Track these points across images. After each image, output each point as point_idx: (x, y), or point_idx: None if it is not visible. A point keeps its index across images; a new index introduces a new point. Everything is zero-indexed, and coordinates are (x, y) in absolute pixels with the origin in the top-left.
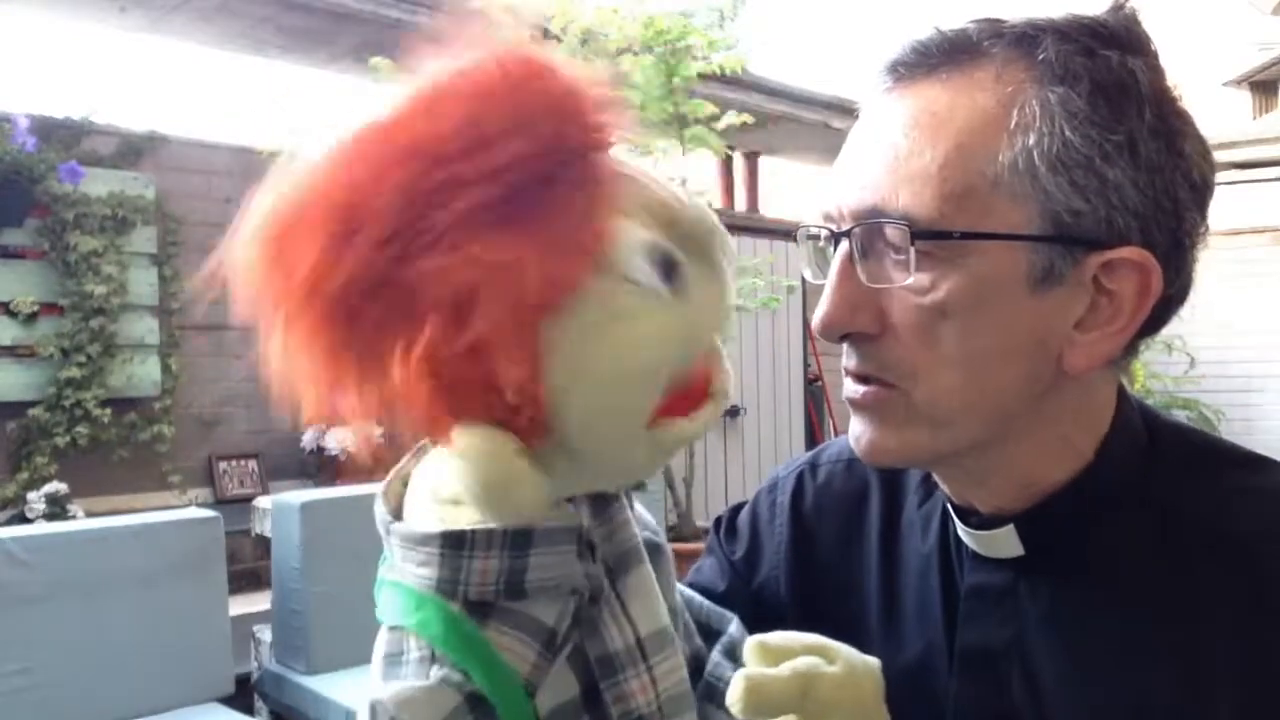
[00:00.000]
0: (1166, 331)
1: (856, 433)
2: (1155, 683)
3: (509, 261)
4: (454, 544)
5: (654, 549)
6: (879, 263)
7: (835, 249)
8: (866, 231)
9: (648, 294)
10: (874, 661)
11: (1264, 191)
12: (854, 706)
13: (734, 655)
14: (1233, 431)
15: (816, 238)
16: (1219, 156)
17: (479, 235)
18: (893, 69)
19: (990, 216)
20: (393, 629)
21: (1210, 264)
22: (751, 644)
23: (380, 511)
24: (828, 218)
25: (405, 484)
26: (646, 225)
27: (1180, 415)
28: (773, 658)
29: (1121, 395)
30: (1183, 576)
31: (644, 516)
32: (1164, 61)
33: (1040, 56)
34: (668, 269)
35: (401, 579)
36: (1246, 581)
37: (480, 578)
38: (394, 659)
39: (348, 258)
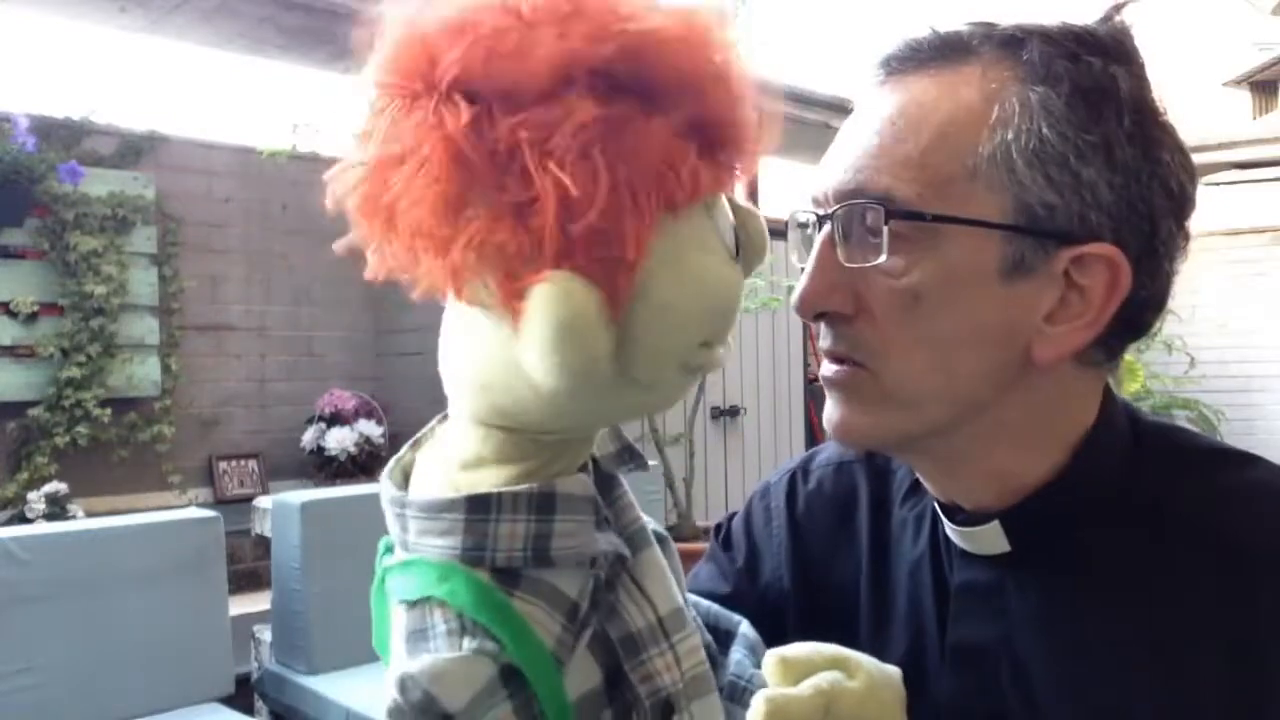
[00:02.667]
0: (1166, 331)
1: (829, 413)
2: (1143, 677)
3: (660, 148)
4: (479, 508)
5: (659, 539)
6: (857, 245)
7: (820, 231)
8: (848, 214)
9: (725, 248)
10: (894, 671)
11: (1264, 191)
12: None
13: (756, 653)
14: (1233, 431)
15: (805, 225)
16: (1219, 157)
17: (659, 115)
18: (885, 64)
19: (967, 205)
20: (413, 605)
21: (1210, 264)
22: (771, 659)
23: (389, 490)
24: (815, 202)
25: (406, 473)
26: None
27: (1180, 415)
28: (793, 673)
29: (1107, 395)
30: (1168, 572)
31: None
32: (1152, 72)
33: (1025, 57)
34: (735, 249)
35: (417, 556)
36: (1231, 577)
37: (508, 542)
38: (419, 634)
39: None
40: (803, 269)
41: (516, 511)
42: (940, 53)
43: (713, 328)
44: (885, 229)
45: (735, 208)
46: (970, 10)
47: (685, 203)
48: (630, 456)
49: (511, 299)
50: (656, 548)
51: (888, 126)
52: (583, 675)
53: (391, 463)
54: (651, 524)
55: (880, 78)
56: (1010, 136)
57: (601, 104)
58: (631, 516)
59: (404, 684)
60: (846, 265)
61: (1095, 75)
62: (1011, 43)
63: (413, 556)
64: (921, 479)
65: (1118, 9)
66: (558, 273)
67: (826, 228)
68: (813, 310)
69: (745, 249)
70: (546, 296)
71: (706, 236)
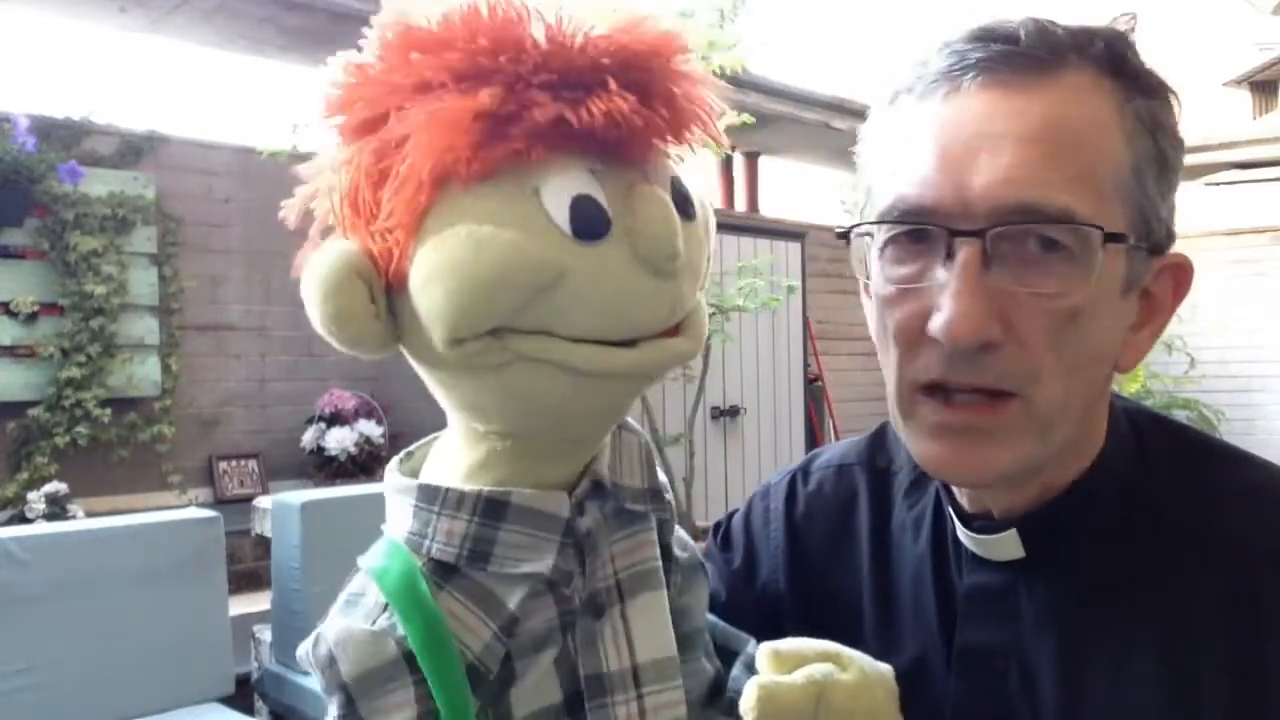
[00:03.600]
0: (1167, 332)
1: (949, 456)
2: (1149, 678)
3: (441, 116)
4: (427, 498)
5: (693, 569)
6: (1008, 265)
7: (951, 248)
8: (999, 233)
9: (547, 225)
10: (885, 669)
11: (1264, 191)
12: (868, 715)
13: (753, 669)
14: (1233, 431)
15: (915, 234)
16: (1219, 157)
17: (449, 91)
18: (993, 62)
19: (1115, 220)
20: (363, 572)
21: (1210, 264)
22: (764, 650)
23: (393, 463)
24: (924, 213)
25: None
26: (611, 196)
27: (1180, 415)
28: (786, 665)
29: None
30: (1172, 574)
31: (683, 537)
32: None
33: (1130, 69)
34: (582, 221)
35: (389, 529)
36: (1233, 577)
37: (445, 536)
38: (354, 599)
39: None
40: (876, 283)
41: (460, 509)
42: (1053, 52)
43: (509, 303)
44: (1062, 249)
45: (633, 192)
46: (980, 7)
47: (469, 176)
48: (655, 499)
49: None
50: (662, 594)
51: (1047, 138)
52: (540, 692)
53: (419, 443)
54: (688, 554)
55: (988, 77)
56: (1142, 150)
57: (413, 91)
58: (643, 556)
59: (316, 639)
60: (1002, 288)
61: (1170, 88)
62: (1113, 51)
63: (385, 529)
64: (960, 491)
65: (1133, 17)
66: (331, 240)
67: (971, 247)
68: (980, 340)
69: (633, 235)
70: (311, 260)
71: (507, 211)
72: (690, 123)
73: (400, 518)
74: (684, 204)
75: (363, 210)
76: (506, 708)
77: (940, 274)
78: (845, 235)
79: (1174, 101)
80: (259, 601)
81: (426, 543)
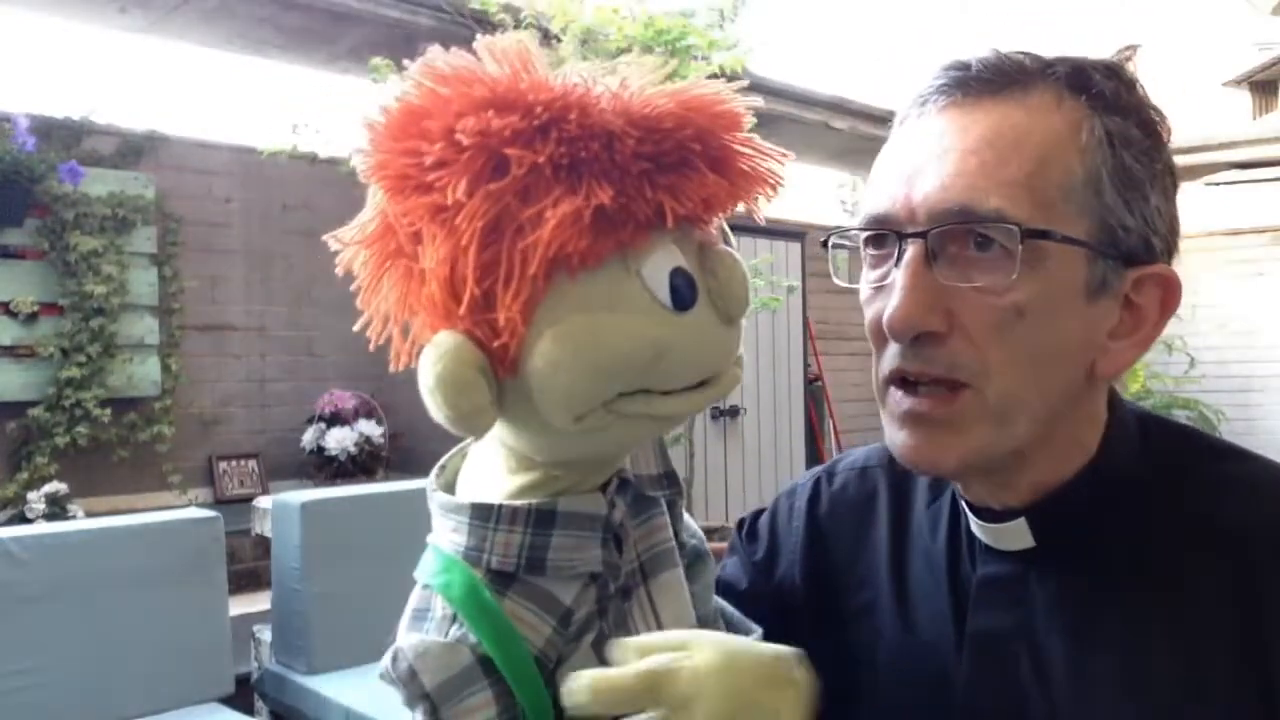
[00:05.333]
0: (1167, 331)
1: (913, 441)
2: (1158, 663)
3: (552, 217)
4: (482, 516)
5: (699, 556)
6: (953, 263)
7: (900, 250)
8: (941, 233)
9: (651, 302)
10: (784, 651)
11: (1264, 191)
12: (724, 695)
13: None
14: (1233, 431)
15: (872, 240)
16: (1219, 157)
17: (555, 184)
18: (956, 86)
19: (1063, 226)
20: (424, 587)
21: (1210, 264)
22: (616, 647)
23: (430, 480)
24: (881, 220)
25: (458, 467)
26: (689, 260)
27: (1180, 415)
28: (633, 657)
29: (1113, 394)
30: (1178, 564)
31: (692, 525)
32: (1152, 72)
33: (1094, 89)
34: (681, 293)
35: (439, 543)
36: (1233, 566)
37: (503, 549)
38: (420, 614)
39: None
40: (843, 283)
41: (514, 523)
42: (1010, 79)
43: (625, 379)
44: (997, 247)
45: (708, 253)
46: (973, 13)
47: (580, 268)
48: (669, 483)
49: (406, 356)
50: (680, 570)
51: (984, 148)
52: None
53: (450, 454)
54: (695, 540)
55: (943, 102)
56: (1099, 162)
57: (496, 179)
58: (661, 538)
59: (395, 655)
60: (945, 284)
61: (1146, 109)
62: (1077, 74)
63: (433, 543)
64: (964, 489)
65: (1132, 50)
66: (443, 334)
67: (916, 246)
68: (913, 330)
69: (716, 296)
70: (426, 354)
71: (615, 294)
72: (755, 186)
73: (452, 533)
74: (729, 245)
75: (468, 301)
76: (554, 690)
77: (895, 273)
78: (825, 244)
79: (1156, 119)
80: (259, 601)
81: (485, 556)
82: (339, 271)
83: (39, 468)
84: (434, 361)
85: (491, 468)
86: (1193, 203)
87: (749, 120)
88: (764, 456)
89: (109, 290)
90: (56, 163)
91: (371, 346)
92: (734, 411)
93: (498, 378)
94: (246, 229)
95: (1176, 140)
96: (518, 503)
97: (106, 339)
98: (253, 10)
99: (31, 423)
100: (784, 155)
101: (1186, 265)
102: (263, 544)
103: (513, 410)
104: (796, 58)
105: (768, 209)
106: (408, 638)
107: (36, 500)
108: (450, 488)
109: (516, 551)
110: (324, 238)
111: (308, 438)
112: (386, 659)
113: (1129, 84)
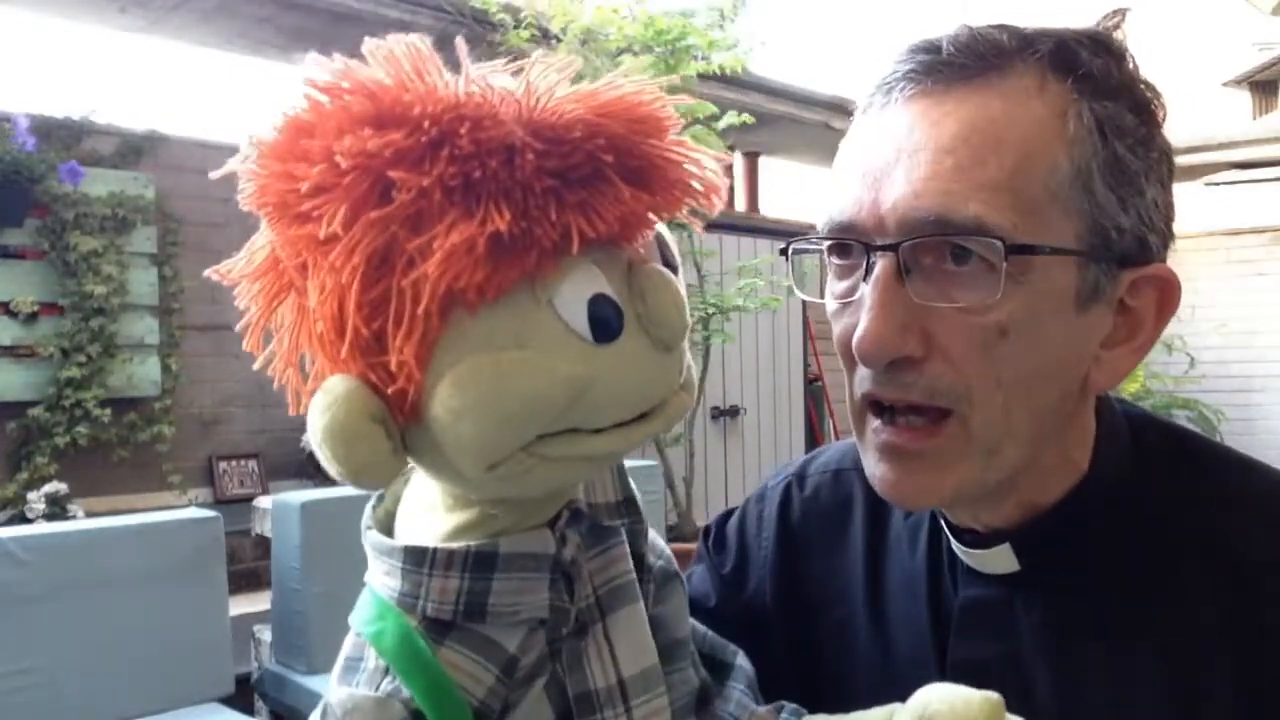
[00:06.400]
0: (1167, 331)
1: (893, 478)
2: (1149, 694)
3: (445, 247)
4: (415, 560)
5: (667, 577)
6: (928, 279)
7: (869, 263)
8: (914, 245)
9: (566, 335)
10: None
11: (1264, 191)
12: None
13: (753, 688)
14: (1233, 431)
15: (837, 249)
16: (1219, 156)
17: (448, 209)
18: (922, 71)
19: (1050, 230)
20: (357, 635)
21: (1210, 264)
22: None
23: (366, 516)
24: (845, 228)
25: (397, 499)
26: (615, 283)
27: (1180, 415)
28: None
29: (1102, 398)
30: (1173, 586)
31: (658, 544)
32: (1151, 72)
33: (1082, 69)
34: (602, 324)
35: (374, 585)
36: (1237, 588)
37: (439, 596)
38: (352, 664)
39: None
40: (802, 295)
41: (450, 569)
42: (983, 60)
43: (542, 423)
44: (976, 259)
45: (636, 274)
46: (971, 8)
47: (479, 301)
48: (629, 510)
49: (307, 397)
50: (639, 606)
51: (959, 145)
52: (532, 716)
53: (390, 485)
54: (662, 561)
55: (911, 90)
56: (1088, 155)
57: (380, 205)
58: (619, 570)
59: (325, 711)
60: (920, 303)
61: (1139, 86)
62: (1061, 51)
63: (369, 583)
64: (949, 510)
65: (1120, 15)
66: (334, 378)
67: (885, 261)
68: (887, 356)
69: (646, 321)
70: (315, 402)
71: (524, 329)
72: (684, 198)
73: (385, 576)
74: (670, 262)
75: (357, 342)
76: None
77: (864, 288)
78: (784, 253)
79: (1151, 99)
80: (259, 601)
81: (420, 603)
82: (238, 304)
83: (39, 468)
84: (322, 410)
85: (429, 502)
86: (1193, 203)
87: (675, 123)
88: (764, 456)
89: (109, 290)
90: (56, 163)
91: (276, 385)
92: (734, 411)
93: (398, 424)
94: (246, 229)
95: (1176, 140)
96: (454, 545)
97: (106, 339)
98: (253, 10)
99: (31, 423)
100: (718, 158)
101: (1186, 265)
102: (263, 544)
103: (423, 457)
104: (796, 58)
105: (768, 209)
106: (338, 691)
107: (36, 500)
108: (390, 520)
109: (454, 598)
110: (206, 273)
111: (308, 438)
112: (315, 713)
113: (1119, 57)
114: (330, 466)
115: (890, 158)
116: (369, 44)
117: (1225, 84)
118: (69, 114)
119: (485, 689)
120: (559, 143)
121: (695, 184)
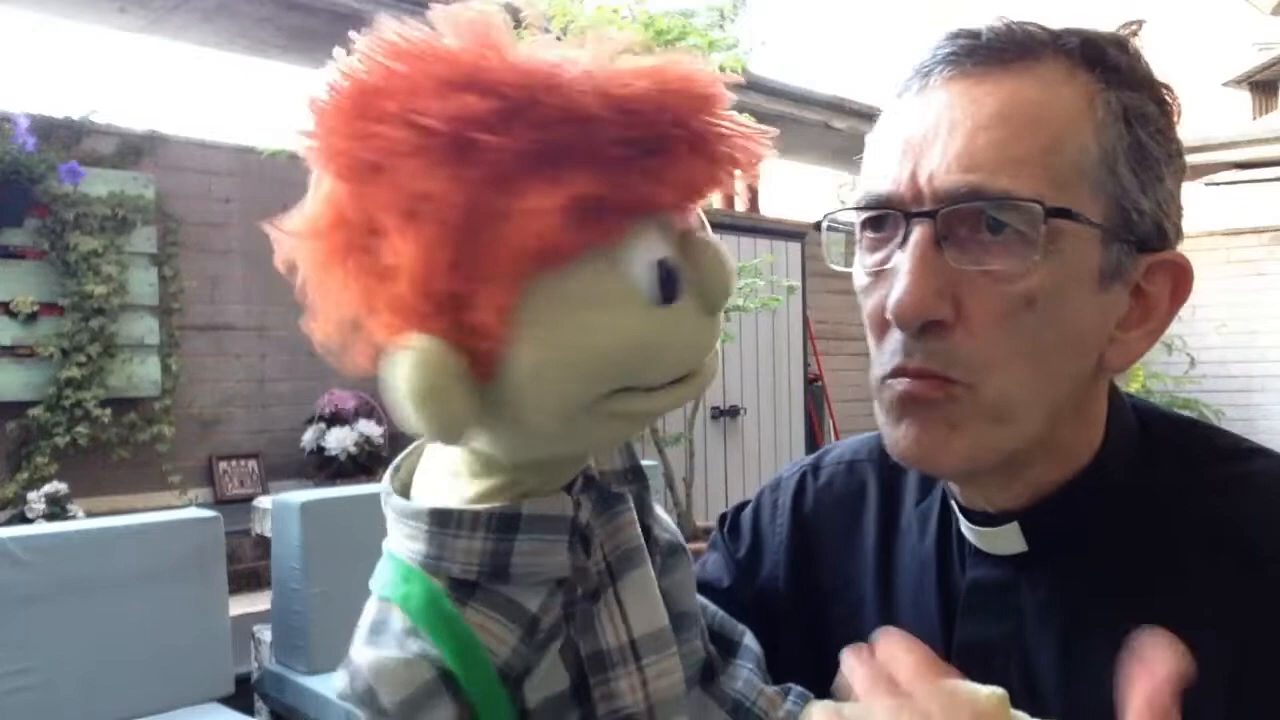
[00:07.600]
0: (1167, 331)
1: (908, 436)
2: None
3: (530, 209)
4: (439, 521)
5: (673, 550)
6: (963, 246)
7: (906, 231)
8: (950, 214)
9: (636, 295)
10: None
11: (1264, 191)
12: None
13: (760, 667)
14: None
15: (872, 221)
16: (1219, 157)
17: (531, 172)
18: (960, 57)
19: (1081, 206)
20: (381, 599)
21: (1210, 264)
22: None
23: (385, 483)
24: (883, 200)
25: (413, 468)
26: (671, 246)
27: None
28: None
29: (1112, 389)
30: (1179, 568)
31: (665, 519)
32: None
33: (1110, 61)
34: (668, 285)
35: (395, 550)
36: (1244, 572)
37: (464, 557)
38: (379, 627)
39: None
40: (839, 268)
41: (475, 529)
42: (1020, 47)
43: (613, 378)
44: (1010, 231)
45: (689, 242)
46: (982, 6)
47: (561, 262)
48: (635, 476)
49: (363, 359)
50: (649, 567)
51: (999, 123)
52: (550, 680)
53: (404, 453)
54: (668, 534)
55: (954, 70)
56: (1114, 139)
57: (465, 167)
58: (629, 535)
59: (353, 675)
60: (955, 268)
61: (1158, 85)
62: (1088, 46)
63: (390, 549)
64: (958, 490)
65: (1138, 25)
66: (416, 337)
67: (924, 228)
68: (922, 317)
69: (699, 287)
70: (400, 361)
71: (599, 290)
72: (734, 169)
73: (408, 540)
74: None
75: (440, 301)
76: (521, 700)
77: (899, 257)
78: (818, 226)
79: (1167, 97)
80: (259, 601)
81: (445, 564)
82: (278, 264)
83: (39, 468)
84: (410, 368)
85: (450, 469)
86: (1193, 203)
87: (727, 99)
88: (764, 456)
89: (109, 290)
90: (56, 163)
91: (318, 347)
92: (734, 411)
93: (477, 382)
94: (246, 229)
95: None
96: (479, 507)
97: (106, 339)
98: (253, 10)
99: (31, 423)
100: (765, 132)
101: None
102: (263, 544)
103: (487, 414)
104: (796, 58)
105: (768, 209)
106: (364, 653)
107: (36, 500)
108: (406, 489)
109: (479, 559)
110: (262, 224)
111: (308, 438)
112: (342, 676)
113: (1137, 57)
114: (418, 424)
115: (930, 133)
116: (440, 11)
117: (1225, 84)
118: (69, 114)
119: (509, 649)
120: (631, 114)
121: (745, 157)
